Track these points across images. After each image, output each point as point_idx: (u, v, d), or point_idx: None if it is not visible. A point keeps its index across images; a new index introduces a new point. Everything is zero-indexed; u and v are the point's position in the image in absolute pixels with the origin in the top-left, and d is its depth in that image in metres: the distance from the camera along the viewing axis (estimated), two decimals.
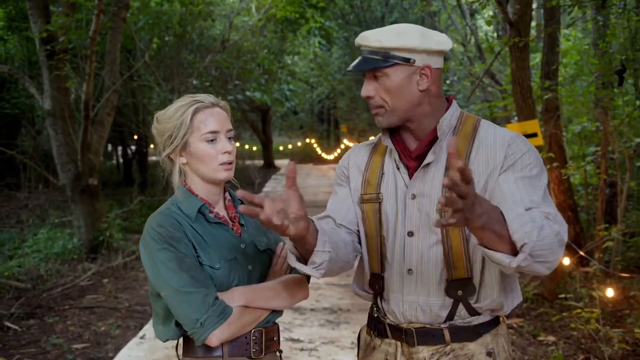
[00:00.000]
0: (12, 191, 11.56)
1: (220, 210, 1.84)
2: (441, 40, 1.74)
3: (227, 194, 1.89)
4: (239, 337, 1.72)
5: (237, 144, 1.90)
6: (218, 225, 1.79)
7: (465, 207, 1.31)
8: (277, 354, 1.84)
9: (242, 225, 1.86)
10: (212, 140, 1.75)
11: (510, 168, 1.67)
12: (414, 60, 1.71)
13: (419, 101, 1.75)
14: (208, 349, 1.71)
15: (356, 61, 1.77)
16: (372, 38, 1.72)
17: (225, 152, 1.76)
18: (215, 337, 1.64)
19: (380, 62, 1.70)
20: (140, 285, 6.42)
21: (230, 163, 1.77)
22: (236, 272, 1.75)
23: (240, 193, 1.41)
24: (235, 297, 1.70)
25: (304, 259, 1.66)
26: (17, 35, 10.99)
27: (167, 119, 1.77)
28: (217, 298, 1.66)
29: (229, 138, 1.79)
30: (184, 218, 1.75)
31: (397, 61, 1.70)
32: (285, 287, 1.80)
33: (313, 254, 1.61)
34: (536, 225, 1.46)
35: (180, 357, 1.79)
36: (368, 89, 1.75)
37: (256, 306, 1.73)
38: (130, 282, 6.53)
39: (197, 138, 1.75)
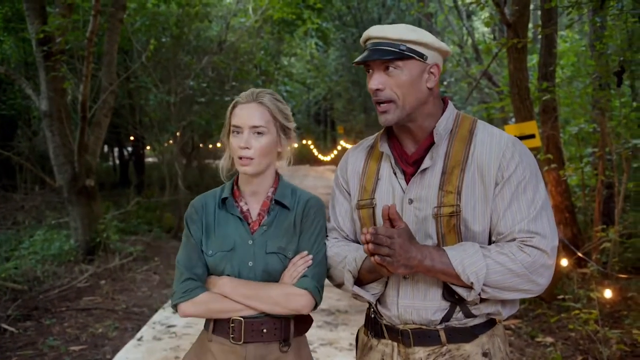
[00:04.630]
0: (8, 192, 11.50)
1: (249, 203, 1.93)
2: (444, 44, 1.78)
3: (272, 190, 1.94)
4: (222, 320, 1.87)
5: None
6: (234, 217, 1.92)
7: (390, 254, 1.56)
8: (276, 345, 1.86)
9: (262, 225, 1.90)
10: (236, 134, 1.87)
11: (505, 184, 1.69)
12: (427, 57, 1.72)
13: (426, 99, 1.76)
14: (209, 319, 1.92)
15: (368, 51, 1.73)
16: (389, 30, 1.71)
17: (239, 147, 1.85)
18: (180, 310, 1.86)
19: (397, 53, 1.69)
20: (137, 287, 6.40)
21: (249, 158, 1.84)
22: (228, 263, 1.85)
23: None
24: (218, 284, 1.85)
25: (358, 280, 1.78)
26: (13, 36, 10.93)
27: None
28: (189, 278, 1.85)
29: (257, 134, 1.86)
30: (214, 202, 1.95)
31: (413, 55, 1.70)
32: (273, 293, 1.82)
33: (378, 281, 1.76)
34: (481, 265, 1.62)
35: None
36: (379, 80, 1.72)
37: (233, 299, 1.83)
38: (127, 284, 6.51)
39: (230, 130, 1.90)
